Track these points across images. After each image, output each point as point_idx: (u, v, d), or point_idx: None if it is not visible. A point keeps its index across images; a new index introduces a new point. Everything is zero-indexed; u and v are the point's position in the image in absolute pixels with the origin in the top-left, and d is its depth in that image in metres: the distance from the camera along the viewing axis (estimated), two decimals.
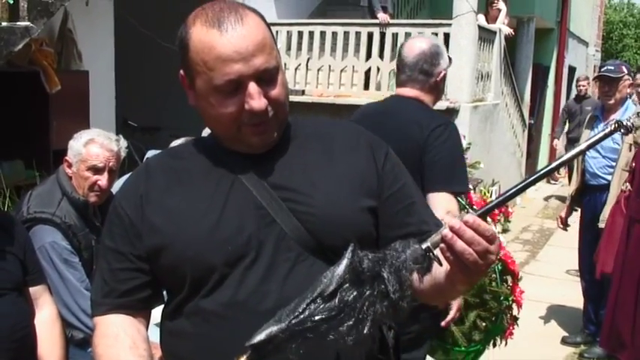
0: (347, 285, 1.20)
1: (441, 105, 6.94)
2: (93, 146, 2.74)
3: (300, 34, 7.98)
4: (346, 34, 7.76)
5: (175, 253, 1.39)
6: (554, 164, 1.33)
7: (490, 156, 7.85)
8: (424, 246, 1.24)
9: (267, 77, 1.39)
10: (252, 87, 1.37)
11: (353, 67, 7.78)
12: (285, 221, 1.40)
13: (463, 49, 7.19)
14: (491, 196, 6.81)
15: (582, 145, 1.32)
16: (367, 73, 7.73)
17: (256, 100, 1.37)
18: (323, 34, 7.87)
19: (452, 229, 1.22)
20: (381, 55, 7.62)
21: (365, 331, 1.19)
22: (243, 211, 1.41)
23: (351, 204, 1.45)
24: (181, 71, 1.45)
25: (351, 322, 1.19)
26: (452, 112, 7.05)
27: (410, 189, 1.57)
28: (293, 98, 7.68)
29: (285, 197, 1.42)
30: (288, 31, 8.07)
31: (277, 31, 8.09)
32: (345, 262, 1.21)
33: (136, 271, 1.45)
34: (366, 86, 7.70)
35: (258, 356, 1.21)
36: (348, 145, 1.53)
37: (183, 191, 1.44)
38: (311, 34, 7.92)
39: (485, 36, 7.82)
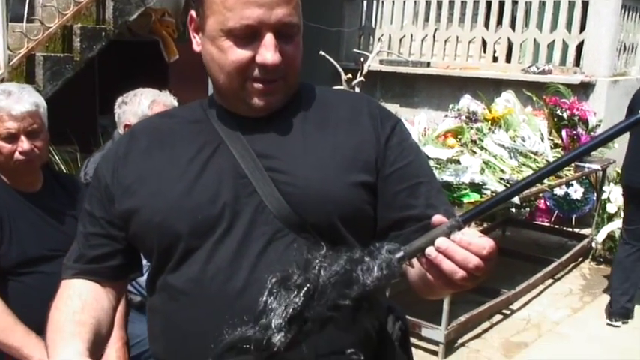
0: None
1: (574, 79, 6.45)
2: (158, 107, 2.71)
3: (428, 3, 7.67)
4: (476, 3, 7.37)
5: (144, 219, 1.31)
6: (565, 159, 1.11)
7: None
8: (398, 255, 1.08)
9: (286, 33, 1.28)
10: (269, 38, 1.26)
11: (482, 38, 7.38)
12: (265, 192, 1.28)
13: (602, 18, 6.59)
14: None
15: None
16: (497, 44, 7.32)
17: (271, 53, 1.26)
18: (452, 3, 7.52)
19: (439, 249, 1.07)
20: (512, 26, 7.17)
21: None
22: (222, 179, 1.30)
23: (339, 178, 1.30)
24: (192, 12, 1.36)
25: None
26: (587, 87, 6.51)
27: (418, 169, 1.39)
28: (417, 70, 7.45)
29: (269, 166, 1.30)
30: (415, 1, 7.79)
31: (404, 1, 7.84)
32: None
33: (107, 238, 1.39)
34: (495, 58, 7.30)
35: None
36: (350, 115, 1.39)
37: (163, 154, 1.36)
38: (439, 3, 7.59)
39: (631, 4, 7.12)
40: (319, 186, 1.29)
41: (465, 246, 1.06)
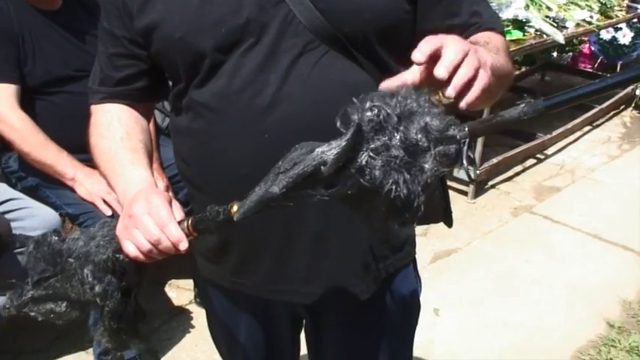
0: (348, 172, 0.91)
1: None
2: None
3: None
4: None
5: (164, 35, 1.22)
6: None
7: None
8: (459, 135, 0.90)
9: None
10: None
11: None
12: (294, 0, 1.17)
13: None
14: None
15: None
16: None
17: None
18: None
19: None
20: None
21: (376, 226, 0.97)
22: None
23: None
24: None
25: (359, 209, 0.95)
26: None
27: None
28: None
29: None
30: None
31: None
32: (341, 144, 0.90)
33: (131, 58, 1.31)
34: None
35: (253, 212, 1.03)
36: None
37: None
38: None
39: None
40: None
41: None
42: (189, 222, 1.11)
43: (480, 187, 4.07)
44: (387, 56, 1.23)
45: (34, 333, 2.70)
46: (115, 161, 1.28)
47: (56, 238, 1.12)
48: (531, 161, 4.52)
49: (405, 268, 1.45)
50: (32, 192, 2.45)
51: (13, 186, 2.49)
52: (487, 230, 3.68)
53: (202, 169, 1.29)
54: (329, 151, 0.91)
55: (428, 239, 3.48)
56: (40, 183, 2.44)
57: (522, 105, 0.93)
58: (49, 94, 2.39)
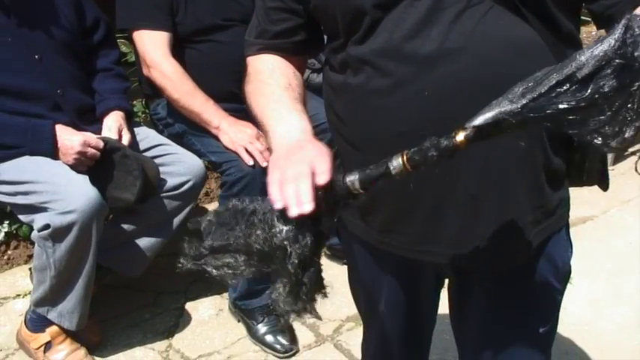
0: (608, 71, 0.89)
1: None
2: None
3: None
4: None
5: None
6: None
7: None
8: None
9: None
10: None
11: None
12: None
13: None
14: None
15: None
16: None
17: None
18: None
19: None
20: None
21: (627, 136, 0.93)
22: None
23: None
24: None
25: (604, 117, 0.92)
26: None
27: None
28: None
29: None
30: None
31: None
32: (610, 40, 0.88)
33: (288, 12, 1.31)
34: None
35: (481, 136, 0.99)
36: None
37: None
38: None
39: None
40: None
41: None
42: (405, 156, 1.02)
43: (620, 153, 3.86)
44: (558, 12, 1.16)
45: (173, 276, 2.82)
46: (280, 105, 1.27)
47: (238, 202, 1.05)
48: None
49: (557, 232, 1.40)
50: (178, 139, 2.54)
51: (160, 132, 2.59)
52: (626, 199, 3.50)
53: (358, 125, 1.27)
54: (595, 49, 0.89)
55: None
56: (186, 130, 2.53)
57: None
58: (198, 43, 2.46)
